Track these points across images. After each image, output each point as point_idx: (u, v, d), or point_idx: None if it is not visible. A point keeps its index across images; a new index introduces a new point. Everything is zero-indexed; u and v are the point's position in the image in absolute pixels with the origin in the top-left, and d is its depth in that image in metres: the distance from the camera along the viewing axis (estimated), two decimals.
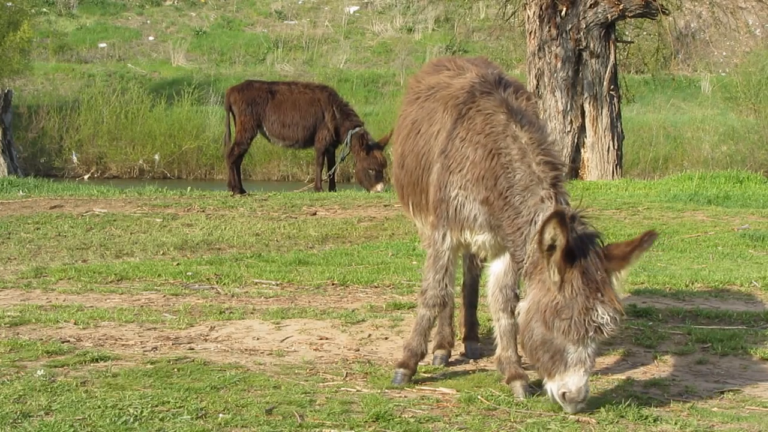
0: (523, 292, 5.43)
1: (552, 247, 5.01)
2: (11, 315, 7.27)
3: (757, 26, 34.86)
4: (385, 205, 13.91)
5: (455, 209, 5.56)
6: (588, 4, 17.80)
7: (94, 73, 32.13)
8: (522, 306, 5.28)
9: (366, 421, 4.93)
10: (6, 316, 7.23)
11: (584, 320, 4.99)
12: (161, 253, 10.66)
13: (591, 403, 5.27)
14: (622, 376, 6.04)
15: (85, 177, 25.13)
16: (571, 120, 17.93)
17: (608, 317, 4.99)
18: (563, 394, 5.09)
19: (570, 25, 17.91)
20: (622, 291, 5.26)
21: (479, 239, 5.60)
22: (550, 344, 5.08)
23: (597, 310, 4.99)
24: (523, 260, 5.30)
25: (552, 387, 5.14)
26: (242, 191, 15.30)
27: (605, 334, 5.03)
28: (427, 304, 5.75)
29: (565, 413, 5.16)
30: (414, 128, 6.01)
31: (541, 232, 5.01)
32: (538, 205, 5.28)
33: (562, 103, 17.90)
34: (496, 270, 5.70)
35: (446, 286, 5.72)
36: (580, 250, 5.02)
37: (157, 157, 26.28)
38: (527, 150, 5.38)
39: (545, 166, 5.34)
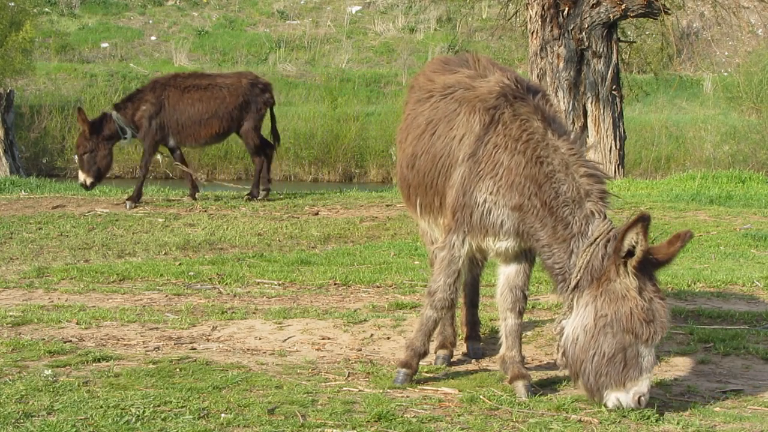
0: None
1: (630, 253, 5.04)
2: (13, 315, 7.28)
3: (760, 26, 34.84)
4: (387, 205, 13.91)
5: (481, 214, 5.48)
6: (590, 4, 17.79)
7: (96, 73, 32.15)
8: (577, 322, 5.18)
9: (368, 421, 4.93)
10: (8, 315, 7.24)
11: (663, 320, 5.07)
12: (163, 253, 10.66)
13: (592, 403, 5.29)
14: None
15: None
16: (573, 120, 17.92)
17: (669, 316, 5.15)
18: (639, 399, 5.08)
19: (572, 25, 17.90)
20: None
21: (502, 245, 5.53)
22: (625, 353, 5.06)
23: (666, 309, 5.11)
24: (564, 273, 5.27)
25: (622, 397, 5.10)
26: None
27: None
28: (435, 306, 5.73)
29: (567, 414, 5.16)
30: (429, 129, 5.88)
31: (623, 238, 5.02)
32: (589, 218, 5.26)
33: (564, 103, 17.90)
34: (508, 270, 5.68)
35: (456, 289, 5.70)
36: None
37: (159, 157, 26.28)
38: (569, 161, 5.35)
39: (590, 179, 5.33)
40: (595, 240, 5.20)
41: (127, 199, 13.63)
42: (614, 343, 5.07)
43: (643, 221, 4.98)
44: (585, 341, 5.14)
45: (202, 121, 13.76)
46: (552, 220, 5.32)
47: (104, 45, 36.29)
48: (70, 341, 6.61)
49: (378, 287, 8.61)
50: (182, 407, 5.08)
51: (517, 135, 5.47)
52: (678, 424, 5.04)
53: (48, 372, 5.67)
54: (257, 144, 14.12)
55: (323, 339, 6.81)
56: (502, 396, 5.47)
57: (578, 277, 5.21)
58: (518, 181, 5.40)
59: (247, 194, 14.35)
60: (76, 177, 14.38)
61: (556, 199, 5.32)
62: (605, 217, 5.29)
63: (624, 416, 5.11)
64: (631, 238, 5.01)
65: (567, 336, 5.24)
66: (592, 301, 5.15)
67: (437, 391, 5.65)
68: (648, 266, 5.11)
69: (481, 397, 5.43)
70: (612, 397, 5.13)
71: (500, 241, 5.52)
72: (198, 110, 13.73)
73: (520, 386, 5.53)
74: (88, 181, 13.47)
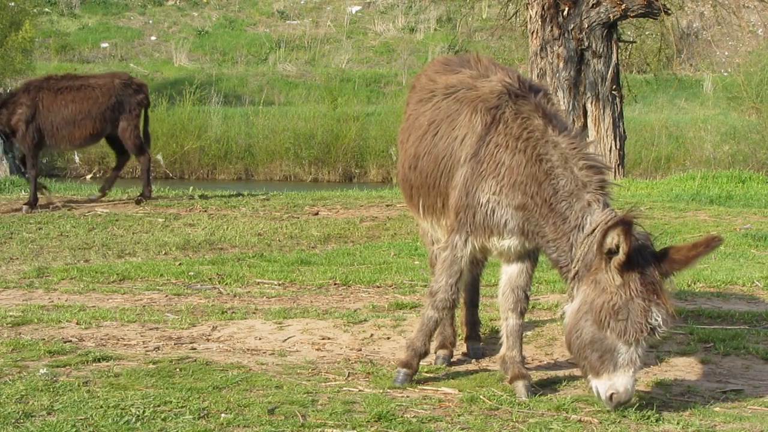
0: (564, 295, 5.41)
1: (613, 252, 5.04)
2: (13, 315, 7.27)
3: (760, 26, 34.84)
4: (387, 205, 13.91)
5: (485, 214, 5.49)
6: (590, 4, 17.79)
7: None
8: (571, 306, 5.26)
9: (368, 421, 4.93)
10: (8, 315, 7.24)
11: (641, 322, 5.04)
12: (163, 252, 10.66)
13: (592, 403, 5.29)
14: None
15: (88, 177, 25.09)
16: (573, 120, 17.92)
17: (662, 319, 5.07)
18: (611, 395, 5.09)
19: (572, 25, 17.90)
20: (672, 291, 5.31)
21: (506, 244, 5.54)
22: (600, 343, 5.09)
23: (653, 312, 5.06)
24: (568, 264, 5.30)
25: (599, 386, 5.14)
26: None
27: (657, 335, 5.11)
28: (437, 306, 5.73)
29: (567, 414, 5.16)
30: (431, 129, 5.87)
31: (604, 236, 5.03)
32: (585, 210, 5.26)
33: (564, 103, 17.90)
34: (510, 270, 5.68)
35: (458, 290, 5.71)
36: (638, 253, 5.07)
37: (159, 157, 26.31)
38: (568, 156, 5.35)
39: (589, 171, 5.33)
40: (593, 231, 5.21)
41: (24, 204, 13.47)
42: (591, 331, 5.13)
43: (623, 224, 4.98)
44: (571, 325, 5.23)
45: (75, 122, 13.61)
46: (553, 216, 5.34)
47: (104, 45, 36.32)
48: (70, 341, 6.61)
49: (378, 287, 8.61)
50: (182, 407, 5.08)
51: (518, 134, 5.47)
52: (678, 424, 5.04)
53: (44, 371, 5.67)
54: (138, 143, 13.86)
55: (323, 339, 6.80)
56: (502, 396, 5.47)
57: (576, 268, 5.24)
58: (520, 180, 5.41)
59: (138, 195, 14.08)
60: (76, 177, 14.39)
61: (555, 195, 5.33)
62: (605, 206, 5.29)
63: (624, 416, 5.11)
64: (612, 238, 5.02)
65: (565, 320, 5.32)
66: (583, 288, 5.21)
67: (437, 391, 5.65)
68: (647, 265, 5.10)
69: (481, 397, 5.43)
70: (593, 384, 5.18)
71: (504, 240, 5.53)
72: (71, 111, 13.58)
73: (520, 386, 5.53)
74: None
